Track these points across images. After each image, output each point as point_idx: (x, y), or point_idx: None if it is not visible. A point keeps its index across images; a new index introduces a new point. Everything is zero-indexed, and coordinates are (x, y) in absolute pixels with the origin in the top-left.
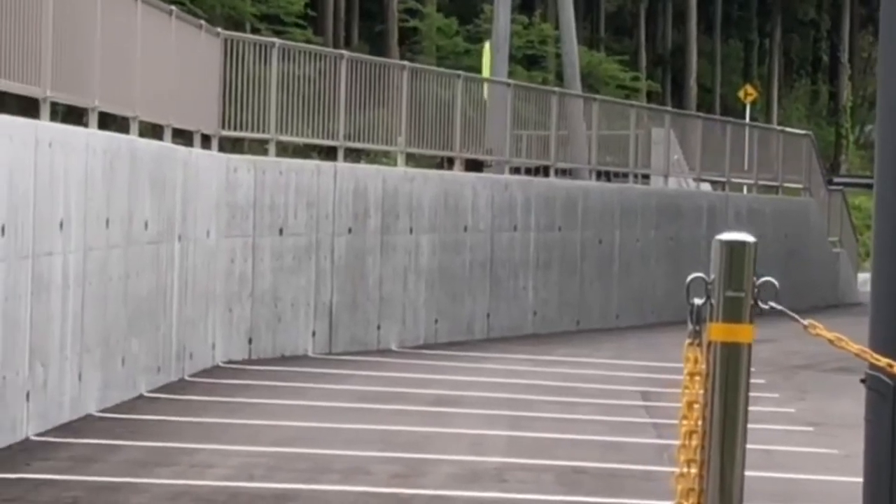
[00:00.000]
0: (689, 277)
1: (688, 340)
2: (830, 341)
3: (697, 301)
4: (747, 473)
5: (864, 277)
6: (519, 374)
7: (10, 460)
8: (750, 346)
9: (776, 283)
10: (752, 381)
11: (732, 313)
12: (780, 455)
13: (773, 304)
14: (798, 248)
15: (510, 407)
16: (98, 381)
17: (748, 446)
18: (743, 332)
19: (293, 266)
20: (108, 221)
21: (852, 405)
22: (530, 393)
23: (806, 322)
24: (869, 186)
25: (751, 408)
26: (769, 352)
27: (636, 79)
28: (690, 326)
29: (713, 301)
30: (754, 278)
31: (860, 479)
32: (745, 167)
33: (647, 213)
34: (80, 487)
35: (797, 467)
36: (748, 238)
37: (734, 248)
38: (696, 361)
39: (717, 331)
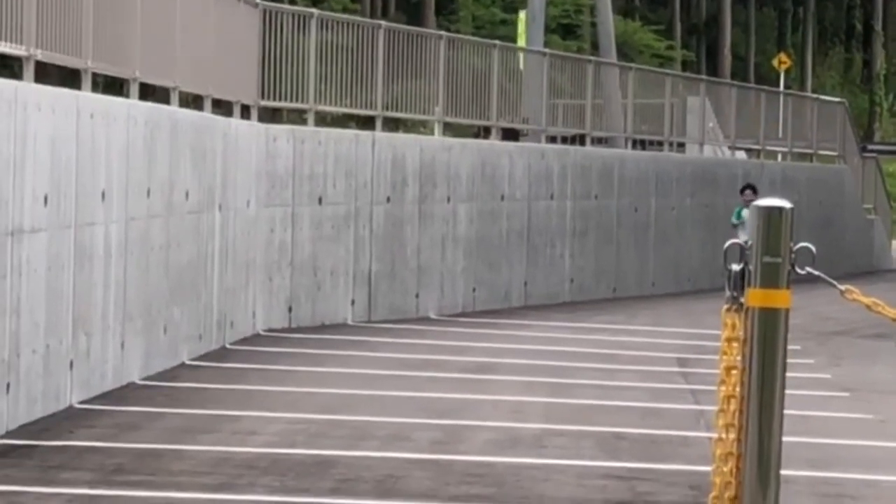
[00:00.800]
0: (727, 243)
1: (725, 306)
2: (867, 306)
3: (735, 267)
4: (784, 439)
5: None
6: (556, 342)
7: (55, 428)
8: (787, 311)
9: (813, 248)
10: (788, 347)
11: (770, 279)
12: (817, 421)
13: (809, 269)
14: (832, 215)
15: (548, 374)
16: (140, 349)
17: (785, 412)
18: (780, 298)
19: (332, 235)
20: (149, 191)
21: (888, 371)
22: (568, 360)
23: (843, 287)
24: None
25: (787, 374)
26: (804, 318)
27: (671, 48)
28: (728, 292)
29: (750, 267)
30: (791, 244)
31: None
32: (780, 135)
33: (682, 180)
34: (124, 454)
35: (833, 433)
36: (785, 204)
37: (771, 213)
38: (733, 327)
39: (754, 296)
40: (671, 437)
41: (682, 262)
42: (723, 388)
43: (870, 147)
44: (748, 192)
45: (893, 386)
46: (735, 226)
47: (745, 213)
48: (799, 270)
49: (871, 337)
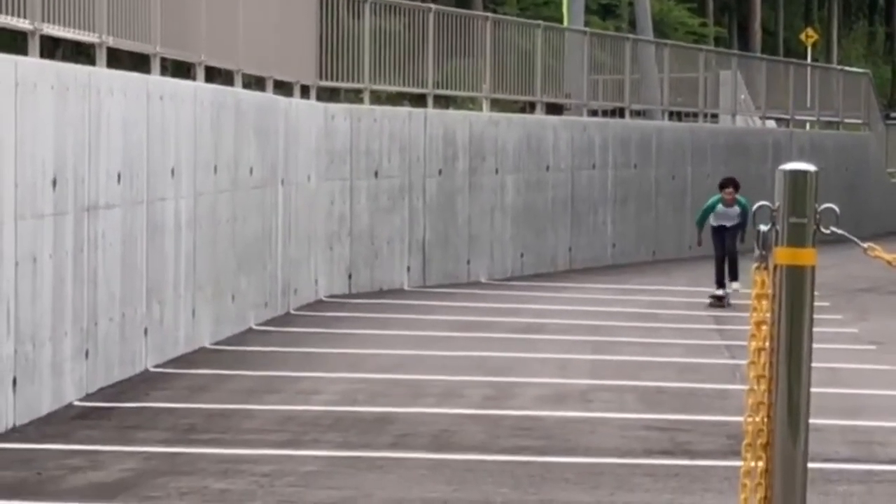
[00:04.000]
0: (755, 205)
1: (755, 265)
2: (889, 262)
3: (763, 228)
4: (814, 390)
5: None
6: (600, 303)
7: (132, 390)
8: (813, 268)
9: (836, 209)
10: (817, 303)
11: (796, 238)
12: (845, 372)
13: (833, 228)
14: (858, 179)
15: (593, 333)
16: (210, 316)
17: (815, 365)
18: (806, 256)
19: (388, 206)
20: (215, 168)
21: None
22: (611, 319)
23: (865, 245)
24: None
25: (816, 329)
26: (833, 276)
27: (704, 25)
28: (757, 252)
29: (778, 227)
30: (816, 205)
31: None
32: (808, 105)
33: (716, 149)
34: (196, 414)
35: (862, 384)
36: (810, 167)
37: (797, 177)
38: (762, 284)
39: (782, 255)
40: (708, 390)
41: None
42: (753, 341)
43: (893, 115)
44: (730, 188)
45: None
46: (703, 219)
47: (721, 207)
48: (823, 230)
49: None
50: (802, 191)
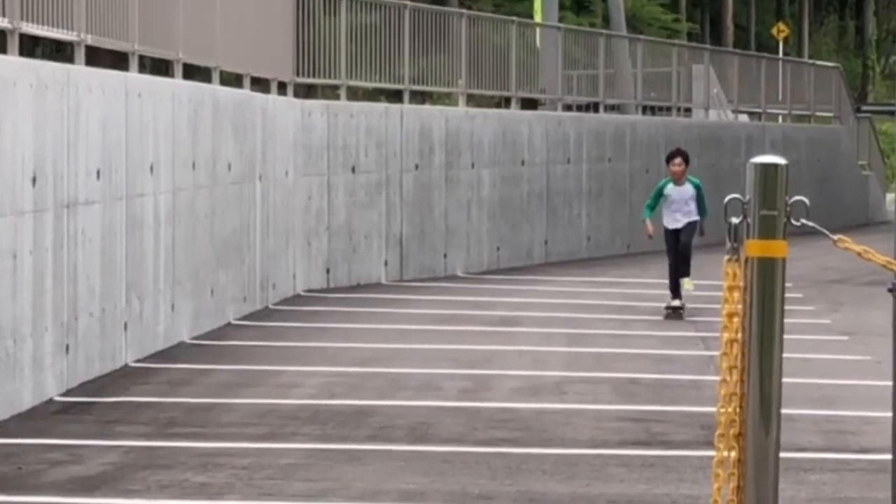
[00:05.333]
0: (727, 198)
1: (726, 257)
2: (858, 254)
3: (734, 220)
4: (788, 380)
5: (892, 197)
6: (575, 295)
7: (112, 385)
8: (784, 259)
9: (807, 201)
10: (790, 295)
11: (767, 230)
12: (818, 363)
13: (804, 220)
14: (830, 172)
15: (568, 325)
16: (189, 311)
17: (788, 355)
18: (777, 248)
19: (365, 201)
20: (194, 164)
21: (883, 315)
22: (586, 312)
23: (835, 237)
24: (894, 113)
25: (789, 320)
26: (805, 268)
27: (677, 20)
28: (728, 244)
29: (749, 220)
30: (786, 197)
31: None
32: (780, 99)
33: (689, 143)
34: (176, 409)
35: (834, 374)
36: (780, 160)
37: (767, 170)
38: (734, 276)
39: (753, 247)
40: (683, 381)
41: None
42: (725, 333)
43: (863, 108)
44: (678, 160)
45: (889, 329)
46: (652, 205)
47: (672, 188)
48: (794, 222)
49: (867, 284)
50: (773, 183)
